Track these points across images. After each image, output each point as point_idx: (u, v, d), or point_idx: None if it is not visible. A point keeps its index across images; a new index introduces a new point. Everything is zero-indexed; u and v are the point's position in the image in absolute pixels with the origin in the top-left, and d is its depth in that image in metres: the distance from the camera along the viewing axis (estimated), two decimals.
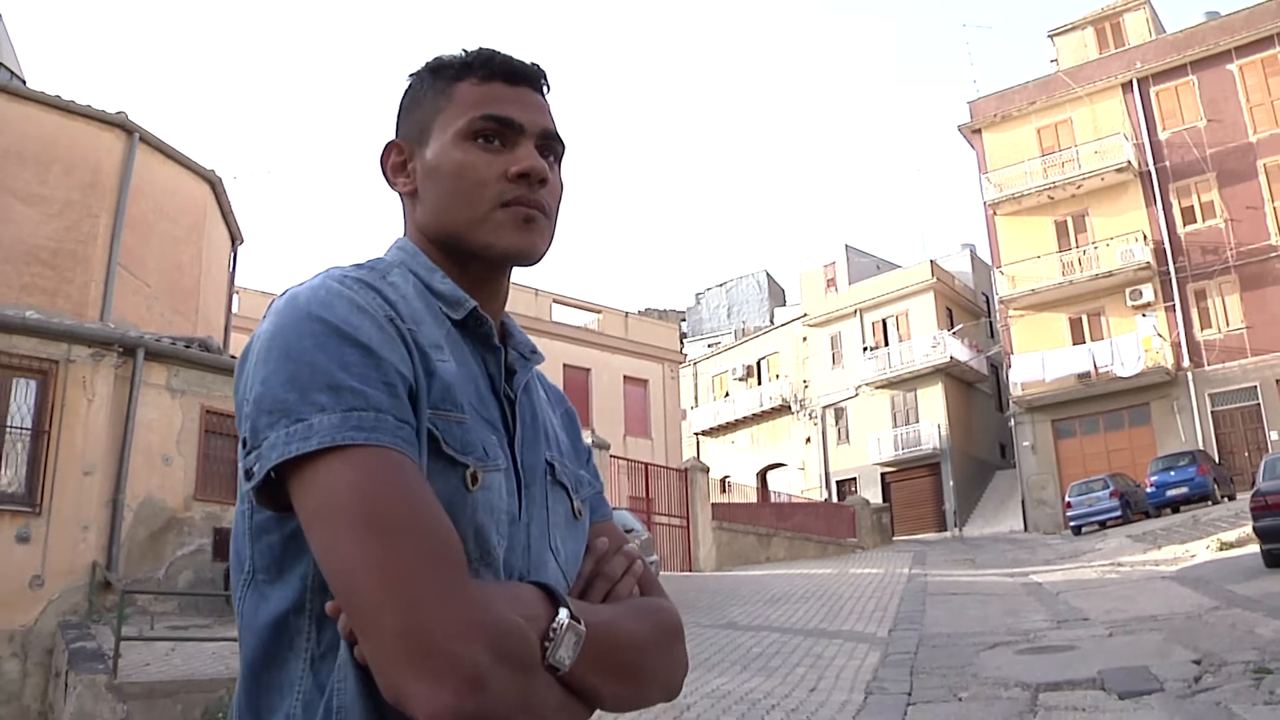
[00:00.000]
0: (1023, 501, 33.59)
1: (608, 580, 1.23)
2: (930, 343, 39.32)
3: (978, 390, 41.64)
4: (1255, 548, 13.90)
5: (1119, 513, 25.57)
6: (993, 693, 7.83)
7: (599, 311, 35.03)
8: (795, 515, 30.51)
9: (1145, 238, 31.47)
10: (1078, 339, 32.75)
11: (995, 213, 34.98)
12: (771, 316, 55.22)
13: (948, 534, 35.76)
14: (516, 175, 1.22)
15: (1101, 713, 6.86)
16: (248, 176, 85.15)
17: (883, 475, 40.50)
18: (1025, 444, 33.50)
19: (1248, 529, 14.84)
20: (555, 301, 33.20)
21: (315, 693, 1.05)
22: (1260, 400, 29.35)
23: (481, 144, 1.23)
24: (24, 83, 19.38)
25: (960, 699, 7.76)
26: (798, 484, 42.91)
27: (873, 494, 38.01)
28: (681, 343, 43.99)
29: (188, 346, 15.15)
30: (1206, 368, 30.24)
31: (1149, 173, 32.17)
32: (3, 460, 13.10)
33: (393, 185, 1.31)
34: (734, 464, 45.91)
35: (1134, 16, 34.62)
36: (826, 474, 42.48)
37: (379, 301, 1.10)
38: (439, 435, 1.07)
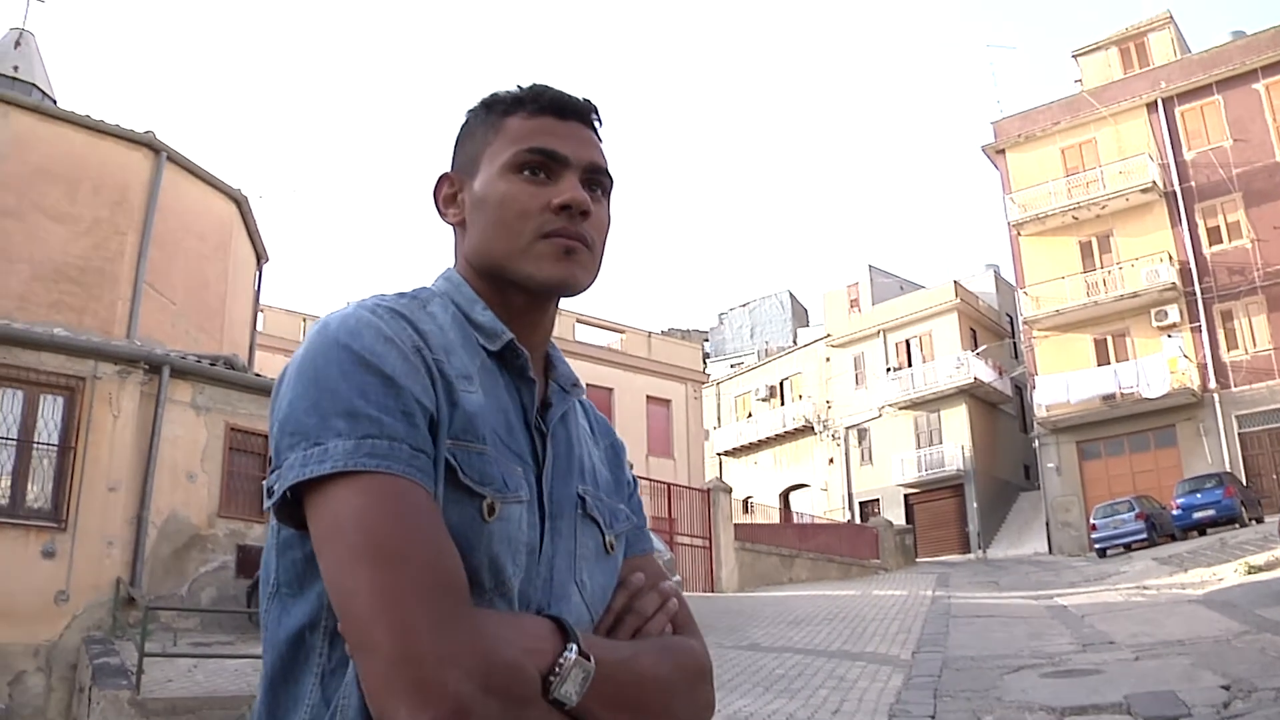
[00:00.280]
0: (1047, 523, 33.34)
1: (639, 616, 1.24)
2: (954, 364, 39.16)
3: (1002, 411, 41.43)
4: None
5: (1145, 535, 25.35)
6: (1017, 716, 7.75)
7: (622, 331, 35.07)
8: (818, 536, 30.36)
9: (1171, 258, 31.29)
10: (1102, 360, 32.55)
11: (1019, 233, 34.88)
12: (794, 337, 55.19)
13: (971, 556, 35.51)
14: (559, 207, 1.23)
15: None
16: (273, 195, 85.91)
17: (906, 496, 40.30)
18: (1050, 465, 33.29)
19: (1277, 552, 14.70)
20: (578, 321, 33.25)
21: (322, 707, 1.07)
22: None
23: (527, 176, 1.25)
24: (54, 102, 19.62)
25: None
26: (820, 505, 42.74)
27: (896, 515, 37.81)
28: (704, 363, 43.97)
29: (213, 364, 15.24)
30: (1233, 389, 30.00)
31: (1174, 193, 32.02)
32: (30, 476, 13.20)
33: (443, 216, 1.34)
34: (757, 484, 45.77)
35: (1159, 36, 34.55)
36: (849, 495, 42.31)
37: (409, 331, 1.12)
38: (457, 465, 1.08)
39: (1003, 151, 36.14)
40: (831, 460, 43.75)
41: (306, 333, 1.14)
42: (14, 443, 13.12)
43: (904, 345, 41.77)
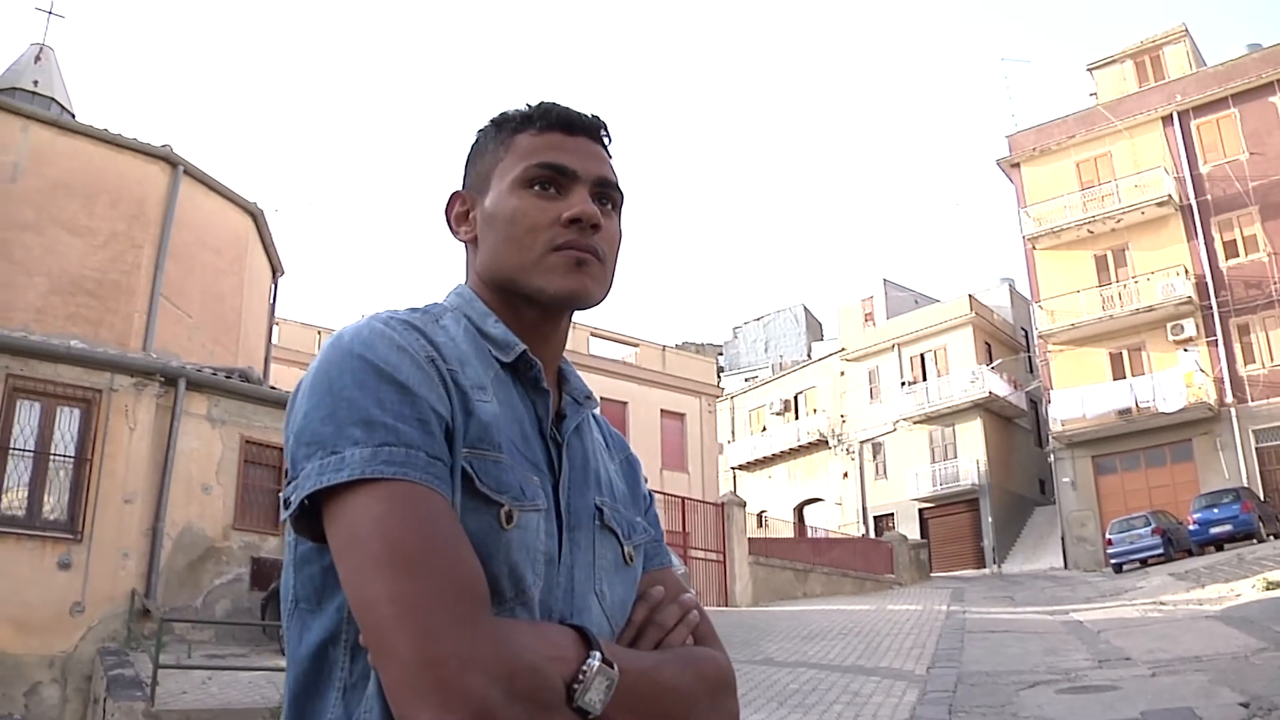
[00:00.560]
0: (1062, 538, 33.18)
1: (660, 629, 1.24)
2: (969, 378, 39.06)
3: (1017, 426, 41.29)
4: None
5: (1161, 550, 25.20)
6: None
7: (636, 345, 35.08)
8: (832, 551, 30.27)
9: (1187, 272, 31.18)
10: (1118, 374, 32.42)
11: (1034, 247, 34.80)
12: (809, 351, 55.11)
13: (986, 570, 35.35)
14: (569, 220, 1.24)
15: None
16: (289, 209, 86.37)
17: (921, 511, 40.17)
18: (1065, 480, 33.14)
19: None
20: (593, 335, 33.28)
21: None
22: None
23: (537, 191, 1.26)
24: (73, 116, 19.77)
25: None
26: (835, 519, 42.63)
27: (910, 530, 37.68)
28: (719, 377, 43.98)
29: (228, 377, 15.31)
30: (1250, 403, 29.83)
31: (1190, 206, 31.92)
32: (46, 487, 13.27)
33: (455, 234, 1.36)
34: (771, 499, 45.68)
35: (1174, 49, 34.49)
36: (864, 509, 42.19)
37: (422, 342, 1.13)
38: (474, 473, 1.09)
39: (1017, 165, 36.09)
40: (846, 474, 43.65)
41: (322, 346, 1.16)
42: (31, 454, 13.21)
43: (919, 359, 41.68)
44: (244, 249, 20.85)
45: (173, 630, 12.68)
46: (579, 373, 1.39)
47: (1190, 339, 30.92)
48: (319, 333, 31.74)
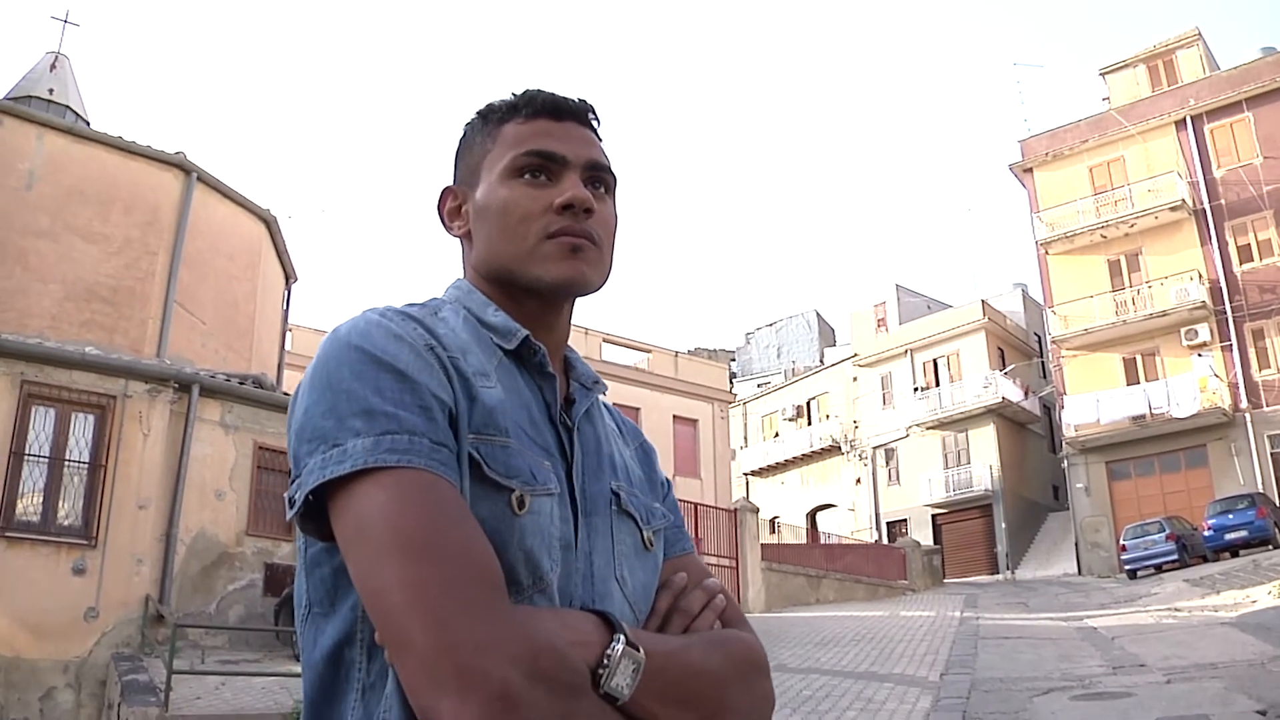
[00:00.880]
0: (1076, 544, 33.05)
1: (685, 615, 1.22)
2: (982, 383, 38.95)
3: (1030, 431, 41.16)
4: None
5: (1175, 556, 25.10)
6: None
7: (649, 351, 35.09)
8: (845, 557, 30.21)
9: (1200, 276, 31.07)
10: (1132, 379, 32.31)
11: (1047, 252, 34.71)
12: (821, 356, 55.05)
13: (999, 577, 35.23)
14: (561, 206, 1.22)
15: None
16: (302, 215, 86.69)
17: (934, 517, 40.05)
18: (1079, 486, 33.02)
19: None
20: (605, 341, 33.30)
21: None
22: None
23: (527, 179, 1.25)
24: (88, 124, 19.89)
25: None
26: (847, 525, 42.54)
27: (923, 536, 37.57)
28: (731, 382, 43.89)
29: (242, 383, 15.36)
30: (1265, 408, 29.69)
31: (1204, 211, 31.80)
32: (60, 493, 13.33)
33: (449, 230, 1.34)
34: (783, 504, 45.62)
35: (1187, 54, 34.39)
36: (877, 515, 42.09)
37: (420, 331, 1.12)
38: (481, 459, 1.07)
39: (1030, 170, 36.01)
40: (859, 480, 43.56)
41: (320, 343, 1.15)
42: (46, 460, 13.27)
43: (931, 365, 41.59)
44: (257, 255, 20.93)
45: (186, 636, 12.71)
46: None
47: (1204, 344, 30.80)
48: None
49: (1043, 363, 40.61)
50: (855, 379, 44.73)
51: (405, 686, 0.95)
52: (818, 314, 61.50)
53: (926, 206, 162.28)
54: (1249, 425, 29.67)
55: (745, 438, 49.32)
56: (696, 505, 23.46)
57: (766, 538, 32.47)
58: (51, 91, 20.16)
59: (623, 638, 1.03)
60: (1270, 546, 24.11)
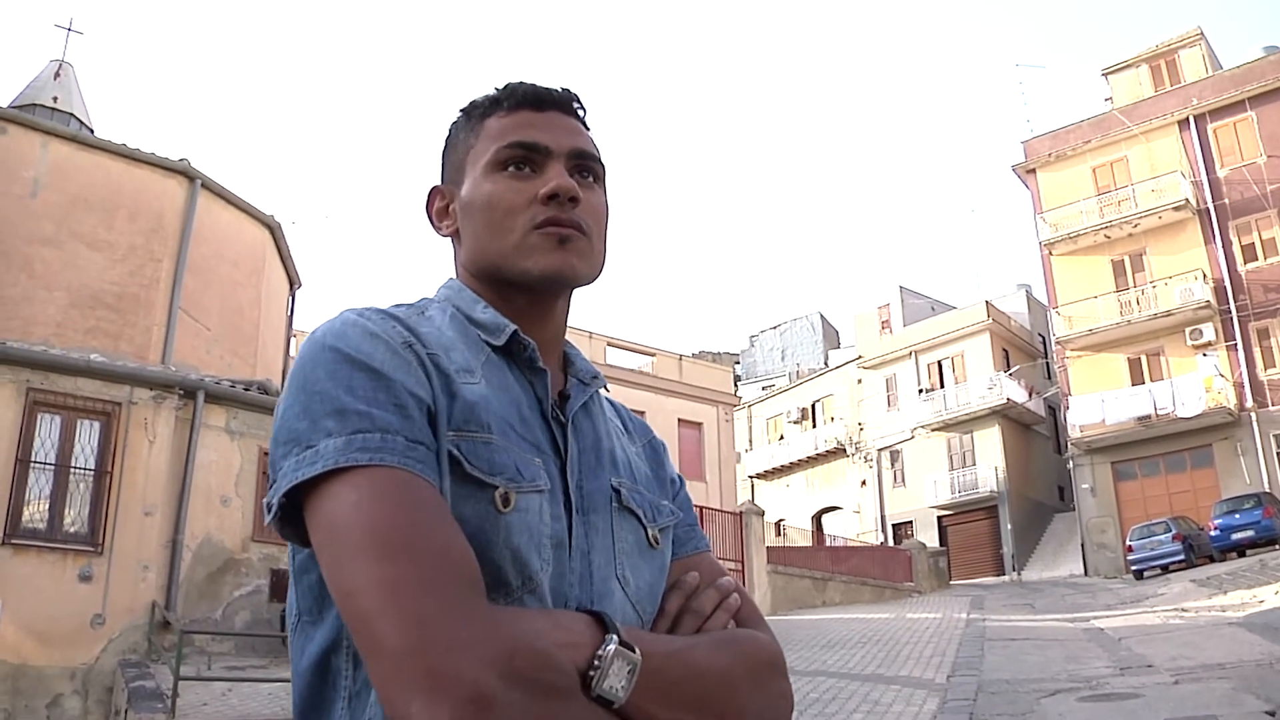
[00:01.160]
0: (1082, 545, 32.99)
1: (697, 616, 1.18)
2: (986, 384, 38.91)
3: (1035, 432, 41.10)
4: None
5: (1182, 556, 25.06)
6: None
7: (653, 354, 35.07)
8: (851, 559, 30.19)
9: (1205, 276, 31.01)
10: (1137, 380, 32.25)
11: (1051, 252, 34.67)
12: (826, 359, 55.02)
13: (1006, 578, 35.19)
14: (546, 197, 1.20)
15: None
16: (306, 221, 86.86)
17: (939, 518, 39.99)
18: (1084, 486, 32.96)
19: None
20: (609, 345, 33.29)
21: None
22: None
23: (511, 172, 1.23)
24: (92, 132, 19.93)
25: None
26: (853, 527, 42.49)
27: (929, 537, 37.53)
28: (736, 385, 43.91)
29: (246, 389, 15.38)
30: (1271, 407, 29.62)
31: (1208, 210, 31.75)
32: (66, 500, 13.35)
33: (438, 230, 1.32)
34: (789, 507, 45.58)
35: (1189, 53, 34.35)
36: (882, 517, 42.04)
37: (398, 329, 1.10)
38: (461, 456, 1.05)
39: (1033, 171, 35.97)
40: (864, 482, 43.52)
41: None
42: (52, 467, 13.29)
43: (936, 366, 41.54)
44: (261, 262, 20.96)
45: (193, 642, 12.73)
46: None
47: (1209, 343, 30.74)
48: None
49: (1047, 364, 40.55)
50: (860, 381, 44.69)
51: (377, 689, 0.92)
52: (822, 316, 61.48)
53: (930, 208, 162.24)
54: (1255, 425, 29.60)
55: (750, 440, 49.28)
56: (702, 509, 23.43)
57: (772, 540, 32.43)
58: (56, 99, 20.22)
59: (615, 638, 0.99)
60: (1277, 546, 24.04)
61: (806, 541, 39.89)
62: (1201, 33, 34.53)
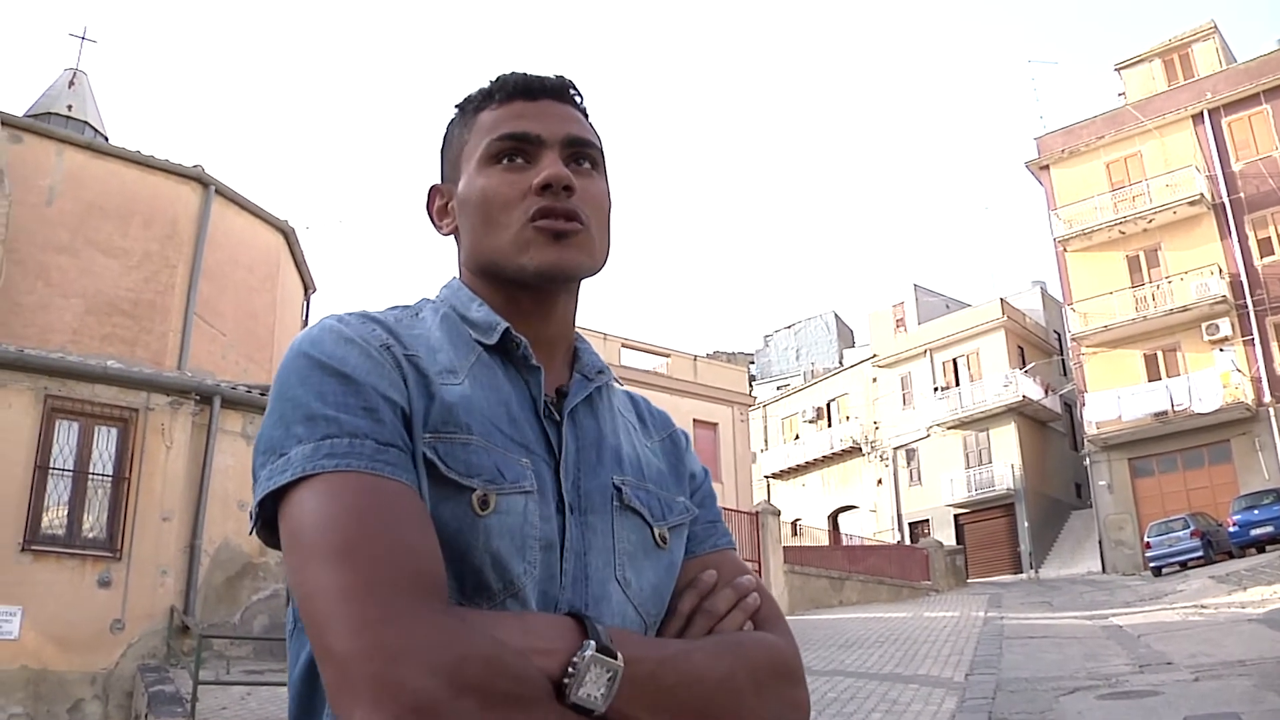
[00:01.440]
0: (1100, 542, 32.86)
1: (710, 616, 1.15)
2: (1002, 382, 38.77)
3: (1051, 429, 40.95)
4: None
5: (1201, 553, 24.94)
6: None
7: (667, 355, 35.06)
8: (868, 558, 30.13)
9: (1221, 271, 30.84)
10: (1153, 375, 32.09)
11: (1065, 249, 34.54)
12: (840, 358, 54.92)
13: (1023, 576, 35.04)
14: (539, 188, 1.16)
15: None
16: (320, 226, 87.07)
17: (956, 517, 39.88)
18: (1101, 483, 32.82)
19: None
20: (624, 346, 33.27)
21: None
22: None
23: (504, 165, 1.20)
24: (106, 139, 20.03)
25: None
26: (869, 526, 42.41)
27: (946, 536, 37.44)
28: (750, 385, 43.79)
29: (262, 394, 15.41)
30: None
31: (1223, 204, 31.57)
32: (85, 506, 13.42)
33: (439, 229, 1.30)
34: (805, 507, 45.51)
35: (1203, 47, 34.18)
36: (899, 516, 41.94)
37: (378, 331, 1.09)
38: (438, 458, 1.03)
39: (1047, 167, 35.84)
40: (880, 481, 43.42)
41: None
42: (70, 474, 13.36)
43: (951, 364, 41.42)
44: (276, 267, 21.04)
45: (211, 646, 12.77)
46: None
47: (1226, 338, 30.57)
48: None
49: (1063, 360, 40.39)
50: (875, 380, 44.60)
51: (327, 695, 0.90)
52: (836, 315, 61.36)
53: (943, 206, 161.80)
54: (1273, 420, 29.41)
55: (765, 440, 49.22)
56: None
57: (788, 540, 32.39)
58: (70, 108, 20.34)
59: (593, 644, 0.95)
60: None
61: (823, 541, 39.80)
62: (1215, 26, 34.36)
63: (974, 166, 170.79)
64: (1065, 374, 39.67)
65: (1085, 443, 34.07)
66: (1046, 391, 39.64)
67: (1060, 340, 40.66)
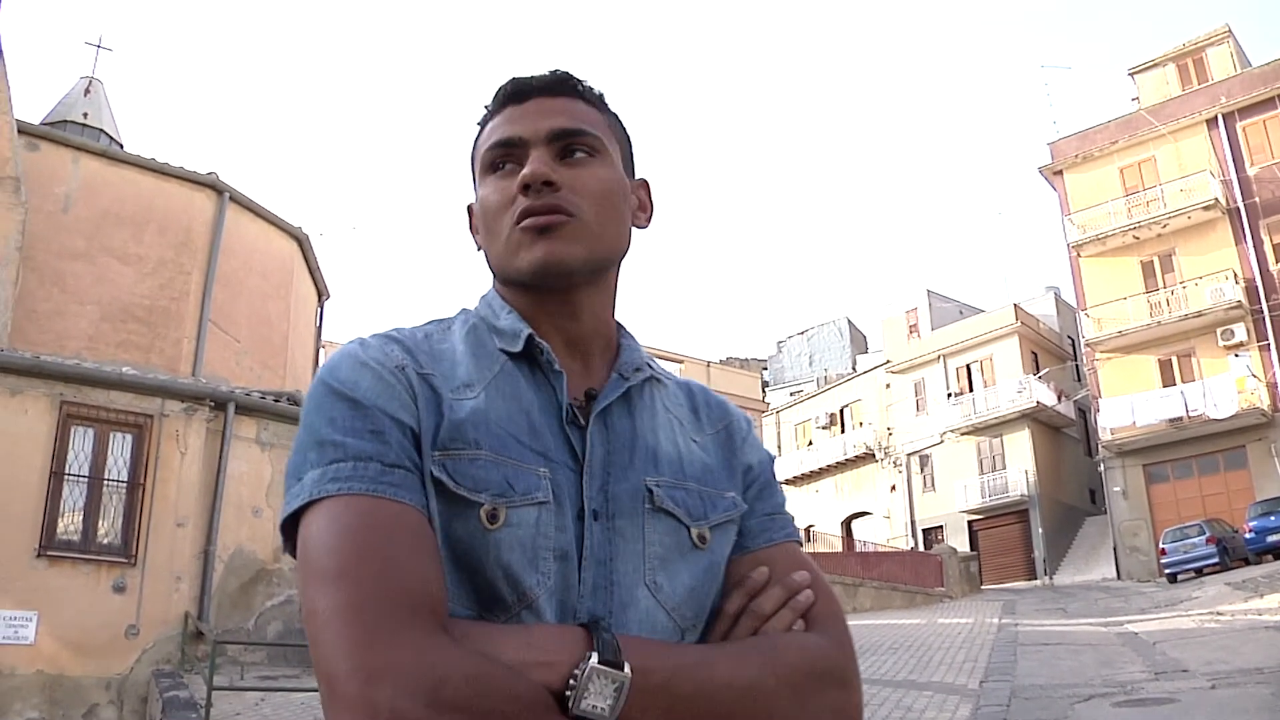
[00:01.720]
0: (1114, 548, 32.69)
1: (756, 616, 1.13)
2: (1016, 388, 38.62)
3: (1065, 435, 40.78)
4: None
5: (1216, 559, 24.79)
6: None
7: (681, 361, 35.16)
8: (881, 564, 30.05)
9: (1236, 276, 30.68)
10: (1168, 381, 31.93)
11: (1079, 254, 34.41)
12: (854, 364, 54.81)
13: (1037, 582, 34.92)
14: (520, 189, 1.17)
15: None
16: (334, 233, 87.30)
17: (970, 523, 39.73)
18: (1116, 489, 32.67)
19: None
20: None
21: None
22: None
23: (498, 173, 1.21)
24: (121, 147, 20.14)
25: None
26: (883, 533, 42.29)
27: (960, 542, 37.27)
28: (764, 391, 43.83)
29: (276, 401, 15.47)
30: None
31: (1238, 209, 31.43)
32: (100, 512, 13.46)
33: (478, 246, 1.29)
34: (818, 513, 45.41)
35: (1217, 51, 34.04)
36: (912, 522, 41.80)
37: (395, 353, 1.11)
38: (447, 475, 1.04)
39: (1060, 172, 35.72)
40: (893, 487, 43.29)
41: None
42: (85, 480, 13.41)
43: (964, 370, 41.30)
44: (290, 273, 21.11)
45: (225, 652, 12.80)
46: None
47: (1241, 344, 30.41)
48: None
49: (1077, 366, 40.22)
50: (888, 386, 44.48)
51: (323, 712, 0.93)
52: (849, 321, 61.29)
53: (957, 211, 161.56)
54: None
55: (779, 446, 49.13)
56: None
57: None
58: (86, 116, 20.46)
59: (595, 655, 0.95)
60: None
61: (837, 547, 39.77)
62: (1229, 30, 34.22)
63: (987, 171, 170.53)
64: (1079, 380, 39.49)
65: (1100, 449, 33.92)
66: (1060, 397, 39.48)
67: (1074, 346, 40.49)
